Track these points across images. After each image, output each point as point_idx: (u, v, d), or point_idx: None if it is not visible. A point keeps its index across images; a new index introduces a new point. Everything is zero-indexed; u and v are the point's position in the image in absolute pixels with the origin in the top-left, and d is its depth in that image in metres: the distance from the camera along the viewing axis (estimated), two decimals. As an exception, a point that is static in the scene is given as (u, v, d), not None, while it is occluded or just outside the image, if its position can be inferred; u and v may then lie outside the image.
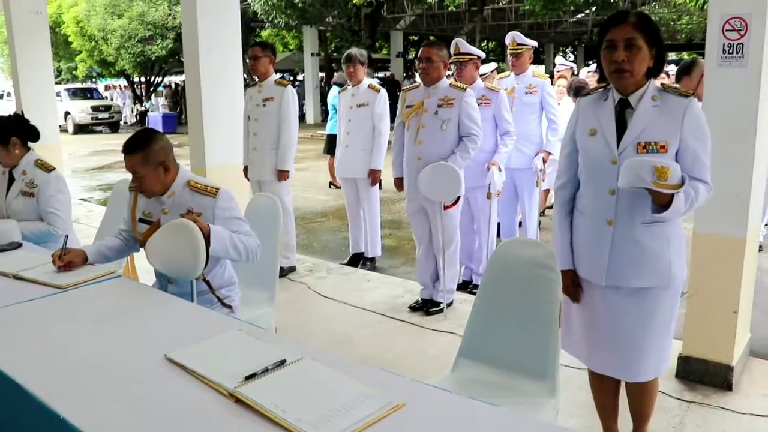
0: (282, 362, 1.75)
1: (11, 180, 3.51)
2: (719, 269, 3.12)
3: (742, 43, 2.92)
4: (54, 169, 3.52)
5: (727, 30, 2.94)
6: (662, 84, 2.19)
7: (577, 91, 6.26)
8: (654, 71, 2.19)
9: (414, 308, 4.35)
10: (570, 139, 2.37)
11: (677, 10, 24.64)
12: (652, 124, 2.15)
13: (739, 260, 3.09)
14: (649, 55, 2.14)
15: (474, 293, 3.32)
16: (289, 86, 4.99)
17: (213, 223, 2.58)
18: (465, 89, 4.10)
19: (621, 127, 2.19)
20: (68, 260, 2.68)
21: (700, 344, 3.21)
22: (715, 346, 3.17)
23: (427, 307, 4.31)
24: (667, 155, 2.13)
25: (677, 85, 2.25)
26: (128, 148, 2.61)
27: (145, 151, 2.60)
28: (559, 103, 5.73)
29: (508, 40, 5.14)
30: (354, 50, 5.29)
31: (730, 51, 2.94)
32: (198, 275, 2.56)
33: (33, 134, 3.55)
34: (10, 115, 3.63)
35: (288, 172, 4.99)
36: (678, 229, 2.29)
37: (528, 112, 5.10)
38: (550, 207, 7.00)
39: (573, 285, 2.37)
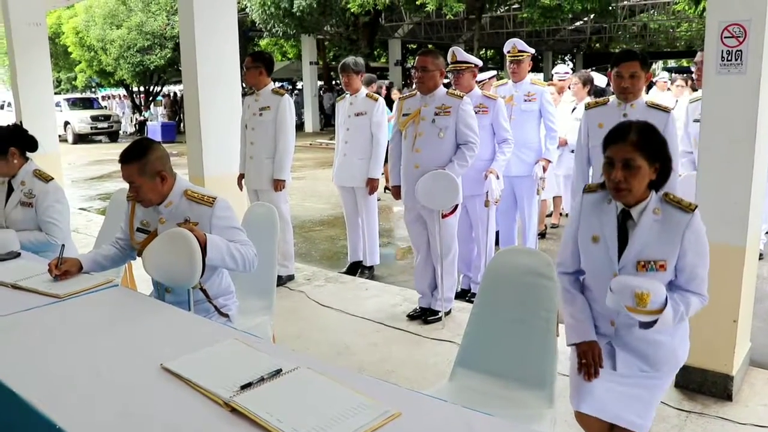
0: (278, 371, 1.75)
1: (10, 190, 3.51)
2: (719, 278, 3.08)
3: (741, 50, 2.91)
4: (52, 179, 3.52)
5: (725, 37, 2.94)
6: (665, 196, 2.16)
7: (596, 92, 6.24)
8: (657, 184, 2.15)
9: (412, 317, 4.34)
10: (572, 238, 2.33)
11: (676, 18, 24.74)
12: (653, 241, 2.14)
13: (738, 269, 3.07)
14: (651, 170, 2.09)
15: (472, 302, 3.32)
16: (286, 95, 4.99)
17: (210, 232, 2.58)
18: (462, 97, 4.10)
19: (622, 238, 2.18)
20: (64, 269, 2.69)
21: (700, 353, 3.18)
22: (715, 355, 3.15)
23: (425, 315, 4.30)
24: (666, 273, 2.14)
25: (680, 198, 2.15)
26: (125, 158, 2.62)
27: (142, 161, 2.60)
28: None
29: (508, 47, 5.15)
30: (349, 60, 5.29)
31: (729, 58, 2.94)
32: (194, 284, 2.56)
33: (31, 144, 3.55)
34: (8, 126, 3.64)
35: (284, 181, 4.97)
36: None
37: (527, 120, 5.10)
38: (550, 215, 6.98)
39: (594, 355, 2.19)
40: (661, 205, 2.15)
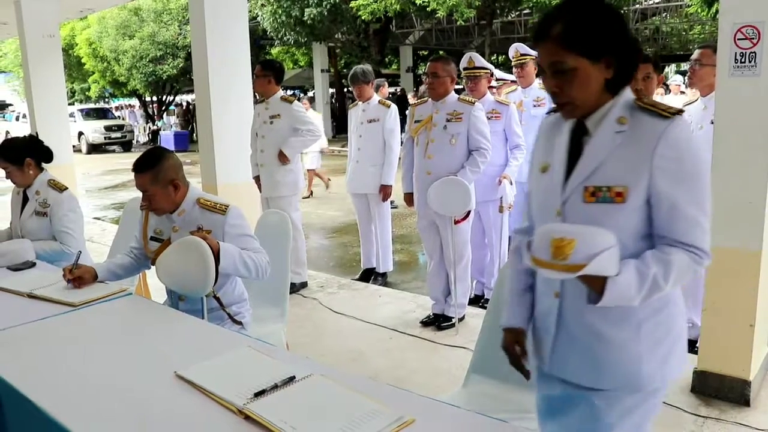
0: (291, 378, 1.75)
1: (25, 200, 3.55)
2: (735, 282, 3.08)
3: (755, 52, 2.88)
4: (66, 188, 3.55)
5: (739, 39, 2.91)
6: (638, 99, 1.54)
7: None
8: (617, 83, 1.53)
9: (426, 323, 4.33)
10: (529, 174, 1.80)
11: (689, 20, 24.63)
12: (611, 159, 1.50)
13: (755, 273, 3.04)
14: (599, 68, 1.49)
15: (486, 308, 3.31)
16: (295, 102, 5.02)
17: (223, 240, 2.59)
18: (473, 103, 4.10)
19: (574, 161, 1.57)
20: (78, 275, 2.71)
21: (716, 358, 3.16)
22: (732, 360, 3.12)
23: (438, 321, 4.29)
24: (626, 207, 1.48)
25: (657, 102, 1.54)
26: (138, 167, 2.64)
27: (155, 170, 2.62)
28: None
29: (511, 52, 5.14)
30: (357, 70, 5.29)
31: (743, 60, 2.92)
32: (208, 292, 2.57)
33: (47, 155, 3.59)
34: (24, 137, 3.68)
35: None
36: (662, 306, 1.55)
37: (536, 125, 5.07)
38: None
39: (516, 347, 1.70)
40: (630, 112, 1.52)
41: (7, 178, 3.51)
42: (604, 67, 1.49)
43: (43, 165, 3.61)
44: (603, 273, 1.39)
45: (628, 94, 1.55)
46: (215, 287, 2.58)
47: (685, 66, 33.66)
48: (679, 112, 1.48)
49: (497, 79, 6.51)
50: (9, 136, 4.31)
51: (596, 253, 1.36)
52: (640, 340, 1.53)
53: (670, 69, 32.29)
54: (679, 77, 11.69)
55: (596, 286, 1.42)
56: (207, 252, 2.44)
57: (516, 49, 5.10)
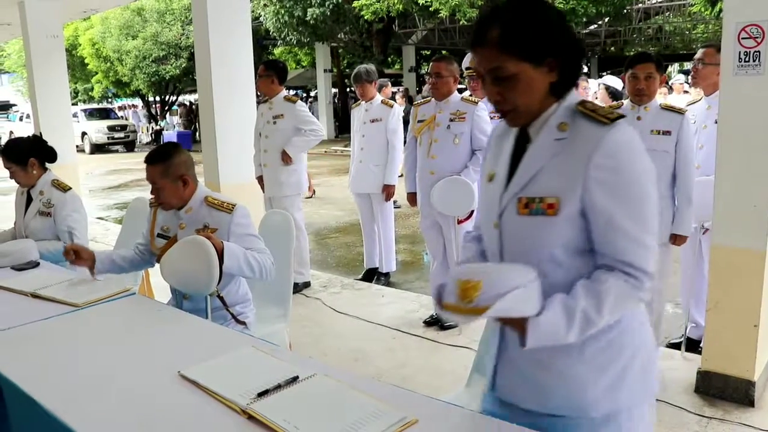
0: (295, 378, 1.75)
1: (29, 200, 3.55)
2: (738, 282, 3.07)
3: (759, 51, 2.87)
4: (70, 188, 3.56)
5: (743, 38, 2.91)
6: (581, 104, 1.44)
7: (612, 94, 6.16)
8: (563, 85, 1.44)
9: (429, 323, 4.32)
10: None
11: (692, 19, 24.56)
12: (547, 168, 1.41)
13: (759, 273, 3.02)
14: (542, 72, 1.40)
15: (489, 307, 3.30)
16: (299, 102, 5.02)
17: (228, 239, 2.60)
18: (476, 103, 4.10)
19: (515, 170, 1.49)
20: (76, 248, 2.76)
21: (720, 359, 3.15)
22: (736, 360, 3.11)
23: (441, 321, 4.29)
24: (557, 220, 1.39)
25: (599, 106, 1.45)
26: (150, 159, 2.66)
27: (166, 164, 2.64)
28: None
29: None
30: (361, 69, 5.30)
31: (747, 59, 2.91)
32: (211, 291, 2.57)
33: (50, 155, 3.60)
34: (28, 137, 3.68)
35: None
36: (609, 327, 1.41)
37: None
38: None
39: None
40: (572, 117, 1.42)
41: (11, 178, 3.52)
42: (548, 71, 1.40)
43: (47, 165, 3.61)
44: (514, 314, 1.32)
45: (572, 98, 1.45)
46: (219, 287, 2.58)
47: (688, 65, 33.62)
48: (620, 117, 1.38)
49: None
50: (13, 136, 4.31)
51: (502, 293, 1.27)
52: (583, 364, 1.43)
53: (673, 68, 32.24)
54: (682, 76, 11.67)
55: (518, 327, 1.34)
56: (211, 251, 2.45)
57: None
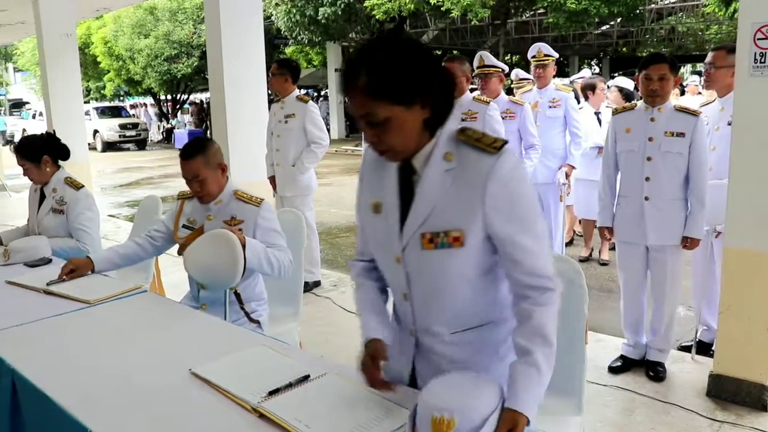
0: (306, 377, 1.75)
1: (42, 197, 3.57)
2: (751, 285, 3.05)
3: (774, 52, 2.86)
4: (83, 186, 3.58)
5: (758, 38, 2.88)
6: (461, 132, 1.47)
7: (589, 87, 6.11)
8: (437, 121, 1.45)
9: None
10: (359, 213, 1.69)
11: (705, 20, 24.41)
12: (444, 201, 1.45)
13: (772, 275, 3.01)
14: (414, 111, 1.40)
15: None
16: (310, 102, 5.02)
17: (254, 232, 2.65)
18: (488, 103, 4.10)
19: (408, 203, 1.51)
20: (72, 267, 2.78)
21: (733, 362, 3.13)
22: (748, 364, 3.09)
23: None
24: (466, 250, 1.45)
25: (482, 134, 1.47)
26: (188, 154, 2.68)
27: (206, 154, 2.69)
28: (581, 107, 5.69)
29: (533, 51, 5.12)
30: None
31: (762, 60, 2.88)
32: (235, 284, 2.60)
33: (63, 153, 3.62)
34: (41, 134, 3.70)
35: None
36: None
37: (552, 126, 5.07)
38: (581, 235, 6.62)
39: (367, 358, 1.61)
40: (456, 148, 1.46)
41: (24, 175, 3.54)
42: (420, 108, 1.41)
43: (60, 163, 3.63)
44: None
45: (449, 127, 1.48)
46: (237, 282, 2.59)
47: (701, 66, 33.39)
48: (505, 143, 1.43)
49: (520, 79, 6.50)
50: (26, 134, 4.34)
51: (477, 426, 1.29)
52: (500, 362, 1.54)
53: (686, 69, 32.04)
54: (696, 77, 11.59)
55: (513, 423, 1.34)
56: (237, 244, 2.48)
57: (539, 48, 5.07)
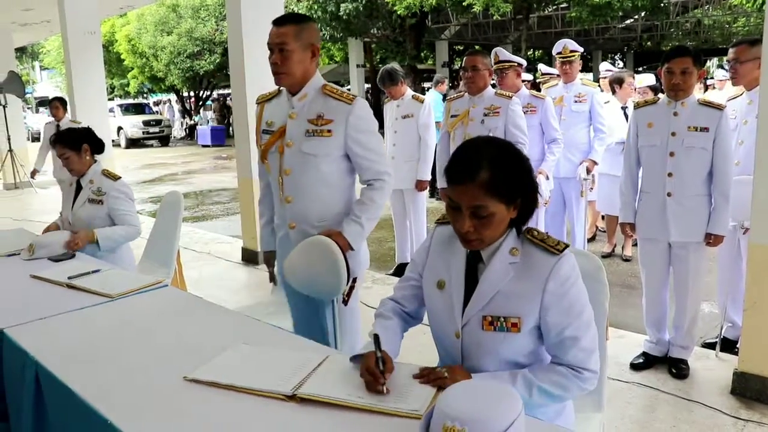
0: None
1: (78, 190, 3.62)
2: (777, 281, 3.00)
3: (803, 44, 2.79)
4: (120, 177, 3.65)
5: (786, 30, 2.83)
6: (528, 232, 1.66)
7: (616, 81, 6.02)
8: (519, 222, 1.64)
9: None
10: (416, 274, 1.86)
11: (732, 12, 24.02)
12: (506, 290, 1.62)
13: (798, 272, 2.95)
14: (509, 210, 1.58)
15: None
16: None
17: (346, 133, 2.39)
18: (511, 97, 4.07)
19: (471, 286, 1.67)
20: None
21: (758, 360, 3.08)
22: (774, 361, 3.04)
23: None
24: (521, 336, 1.62)
25: (546, 236, 1.65)
26: (282, 21, 2.37)
27: (300, 26, 2.35)
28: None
29: (559, 47, 5.07)
30: (383, 73, 5.24)
31: (789, 52, 2.83)
32: (342, 290, 2.49)
33: (100, 146, 3.68)
34: (81, 127, 3.76)
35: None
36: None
37: (577, 121, 5.03)
38: (604, 231, 6.58)
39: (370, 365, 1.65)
40: (522, 243, 1.64)
41: (64, 165, 3.58)
42: (513, 209, 1.59)
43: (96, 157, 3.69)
44: None
45: (513, 233, 1.66)
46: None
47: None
48: (566, 247, 1.60)
49: (543, 74, 6.45)
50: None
51: None
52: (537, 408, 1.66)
53: (712, 63, 31.56)
54: (722, 71, 11.44)
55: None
56: (337, 252, 2.33)
57: (565, 45, 5.03)
